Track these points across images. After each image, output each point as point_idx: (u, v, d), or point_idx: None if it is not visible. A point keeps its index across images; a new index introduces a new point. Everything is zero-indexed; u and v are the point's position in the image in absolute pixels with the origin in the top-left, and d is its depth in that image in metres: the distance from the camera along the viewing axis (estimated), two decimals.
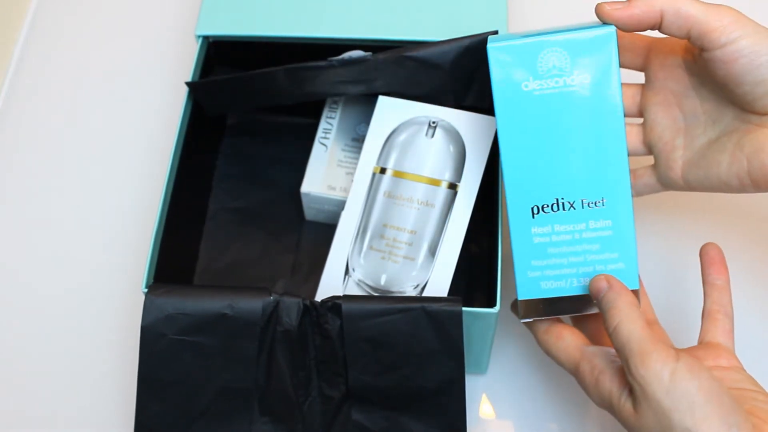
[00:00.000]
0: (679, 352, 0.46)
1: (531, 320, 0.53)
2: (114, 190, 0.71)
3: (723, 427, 0.43)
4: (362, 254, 0.58)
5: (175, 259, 0.60)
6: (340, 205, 0.64)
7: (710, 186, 0.52)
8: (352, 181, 0.60)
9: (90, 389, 0.63)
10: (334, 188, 0.64)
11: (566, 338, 0.52)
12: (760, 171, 0.50)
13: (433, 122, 0.58)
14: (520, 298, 0.52)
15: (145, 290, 0.52)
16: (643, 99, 0.55)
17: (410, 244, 0.57)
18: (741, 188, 0.51)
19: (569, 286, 0.51)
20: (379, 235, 0.58)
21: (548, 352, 0.53)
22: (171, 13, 0.80)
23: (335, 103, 0.67)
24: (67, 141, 0.74)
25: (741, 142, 0.50)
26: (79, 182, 0.71)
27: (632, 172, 0.55)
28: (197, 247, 0.66)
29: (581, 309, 0.52)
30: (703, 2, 0.49)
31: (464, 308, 0.51)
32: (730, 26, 0.48)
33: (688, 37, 0.49)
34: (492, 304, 0.53)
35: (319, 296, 0.57)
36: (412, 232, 0.57)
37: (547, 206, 0.50)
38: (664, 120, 0.54)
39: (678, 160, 0.54)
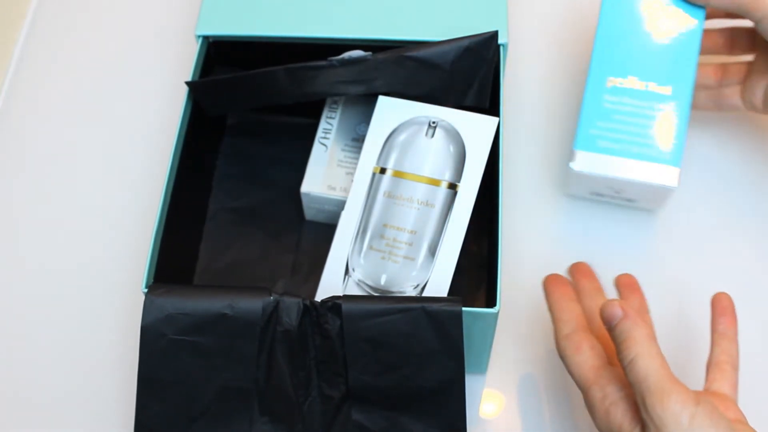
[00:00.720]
0: (698, 395, 0.45)
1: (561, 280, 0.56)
2: (114, 190, 0.71)
3: None
4: (362, 254, 0.58)
5: (175, 259, 0.60)
6: (340, 205, 0.64)
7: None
8: (352, 181, 0.60)
9: (90, 389, 0.63)
10: (334, 188, 0.64)
11: (584, 353, 0.51)
12: None
13: (433, 122, 0.58)
14: (576, 149, 0.61)
15: (145, 290, 0.52)
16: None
17: (410, 244, 0.57)
18: None
19: (622, 150, 0.60)
20: (379, 235, 0.58)
21: (562, 360, 0.52)
22: (171, 13, 0.80)
23: (335, 103, 0.67)
24: (67, 141, 0.74)
25: None
26: (79, 182, 0.71)
27: (720, 92, 0.65)
28: (197, 247, 0.66)
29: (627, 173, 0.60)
30: None
31: (464, 308, 0.51)
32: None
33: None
34: (492, 304, 0.53)
35: (319, 296, 0.57)
36: (412, 232, 0.57)
37: (623, 80, 0.61)
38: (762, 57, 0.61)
39: (763, 89, 0.61)
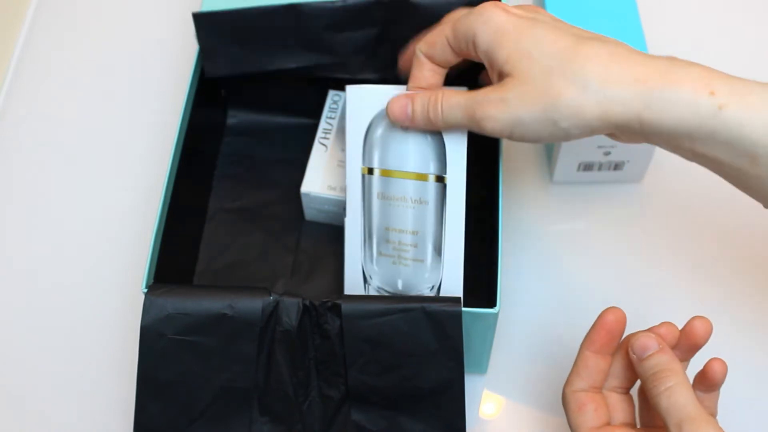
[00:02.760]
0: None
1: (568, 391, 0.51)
2: (114, 190, 0.71)
3: None
4: (374, 261, 0.57)
5: (175, 259, 0.60)
6: (340, 205, 0.64)
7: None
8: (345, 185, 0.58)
9: (90, 389, 0.63)
10: (334, 188, 0.64)
11: (586, 414, 0.49)
12: None
13: None
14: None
15: (145, 290, 0.52)
16: None
17: (416, 246, 0.56)
18: None
19: None
20: (385, 239, 0.57)
21: (564, 409, 0.51)
22: (171, 14, 0.80)
23: (335, 103, 0.67)
24: (67, 141, 0.74)
25: None
26: (79, 182, 0.71)
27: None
28: (197, 247, 0.66)
29: None
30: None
31: (464, 308, 0.51)
32: (497, 128, 0.49)
33: None
34: (492, 304, 0.53)
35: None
36: (414, 232, 0.56)
37: None
38: None
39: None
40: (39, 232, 0.69)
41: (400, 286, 0.57)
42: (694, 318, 0.50)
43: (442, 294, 0.56)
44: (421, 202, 0.56)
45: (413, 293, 0.56)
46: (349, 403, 0.53)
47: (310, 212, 0.66)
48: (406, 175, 0.56)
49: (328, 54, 0.63)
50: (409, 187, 0.56)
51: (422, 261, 0.56)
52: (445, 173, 0.55)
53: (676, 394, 0.46)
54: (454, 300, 0.51)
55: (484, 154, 0.64)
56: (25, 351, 0.64)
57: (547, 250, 0.67)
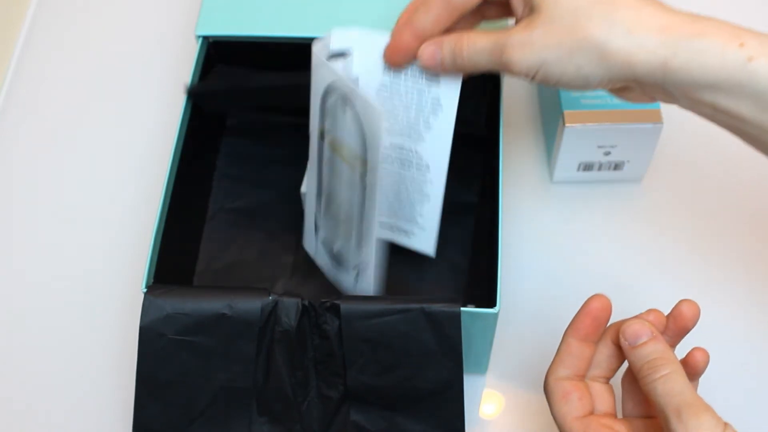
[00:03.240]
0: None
1: (549, 382, 0.51)
2: (114, 190, 0.71)
3: None
4: (321, 215, 0.57)
5: (175, 259, 0.60)
6: None
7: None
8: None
9: (89, 389, 0.63)
10: None
11: (571, 402, 0.49)
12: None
13: (344, 96, 0.52)
14: (564, 109, 0.63)
15: (145, 290, 0.52)
16: None
17: (348, 220, 0.55)
18: None
19: (605, 102, 0.63)
20: (330, 201, 0.56)
21: (547, 399, 0.50)
22: (171, 13, 0.80)
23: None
24: (67, 141, 0.74)
25: None
26: (79, 182, 0.71)
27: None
28: (197, 247, 0.66)
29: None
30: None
31: (464, 308, 0.51)
32: (524, 67, 0.48)
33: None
34: (492, 304, 0.53)
35: (304, 242, 0.58)
36: (347, 209, 0.55)
37: None
38: None
39: None
40: (39, 232, 0.69)
41: (335, 249, 0.57)
42: (681, 302, 0.49)
43: (361, 276, 0.56)
44: (352, 178, 0.54)
45: (342, 263, 0.57)
46: (348, 404, 0.53)
47: None
48: (343, 150, 0.54)
49: None
50: (345, 167, 0.54)
51: (350, 238, 0.55)
52: (367, 157, 0.53)
53: (672, 381, 0.45)
54: (454, 301, 0.51)
55: (484, 153, 0.64)
56: (24, 351, 0.64)
57: (547, 250, 0.67)
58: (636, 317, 0.49)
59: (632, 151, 0.66)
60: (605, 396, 0.51)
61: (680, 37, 0.45)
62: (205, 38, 0.65)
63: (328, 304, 0.51)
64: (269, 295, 0.52)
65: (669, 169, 0.69)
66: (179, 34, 0.78)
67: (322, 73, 0.53)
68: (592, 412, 0.49)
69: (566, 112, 0.64)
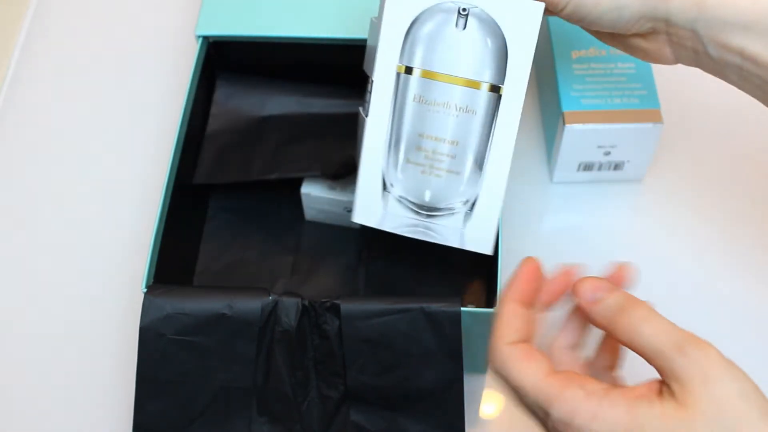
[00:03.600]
0: None
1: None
2: (114, 190, 0.71)
3: None
4: (399, 168, 0.52)
5: (175, 259, 0.60)
6: (341, 205, 0.64)
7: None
8: (371, 80, 0.51)
9: (89, 389, 0.63)
10: (334, 188, 0.64)
11: (537, 360, 0.43)
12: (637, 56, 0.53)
13: (464, 9, 0.49)
14: (564, 110, 0.63)
15: (145, 290, 0.52)
16: None
17: (453, 157, 0.51)
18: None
19: (605, 103, 0.64)
20: (416, 146, 0.51)
21: (502, 370, 0.44)
22: (171, 13, 0.80)
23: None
24: (67, 141, 0.74)
25: (606, 39, 0.53)
26: (79, 182, 0.71)
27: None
28: (197, 247, 0.66)
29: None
30: None
31: (463, 308, 0.51)
32: None
33: None
34: (492, 304, 0.53)
35: (356, 214, 0.52)
36: (453, 142, 0.51)
37: (585, 51, 0.66)
38: None
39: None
40: (39, 232, 0.69)
41: (427, 197, 0.52)
42: (618, 265, 0.47)
43: (477, 209, 0.52)
44: (467, 110, 0.50)
45: (441, 205, 0.52)
46: (348, 404, 0.53)
47: (310, 212, 0.66)
48: (455, 80, 0.50)
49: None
50: (456, 94, 0.50)
51: (458, 173, 0.52)
52: (503, 83, 0.50)
53: (657, 319, 0.42)
54: (454, 300, 0.51)
55: None
56: (24, 351, 0.64)
57: (547, 250, 0.67)
58: (580, 281, 0.45)
59: (632, 151, 0.66)
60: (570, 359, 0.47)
61: None
62: (205, 38, 0.65)
63: (328, 304, 0.51)
64: (269, 295, 0.52)
65: (669, 169, 0.69)
66: (179, 34, 0.78)
67: (404, 4, 0.49)
68: (556, 370, 0.44)
69: (566, 112, 0.64)
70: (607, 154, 0.66)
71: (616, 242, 0.67)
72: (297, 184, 0.64)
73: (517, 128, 0.51)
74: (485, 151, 0.51)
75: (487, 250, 0.53)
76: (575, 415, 0.41)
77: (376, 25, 0.51)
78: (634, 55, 0.53)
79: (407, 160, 0.51)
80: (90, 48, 0.78)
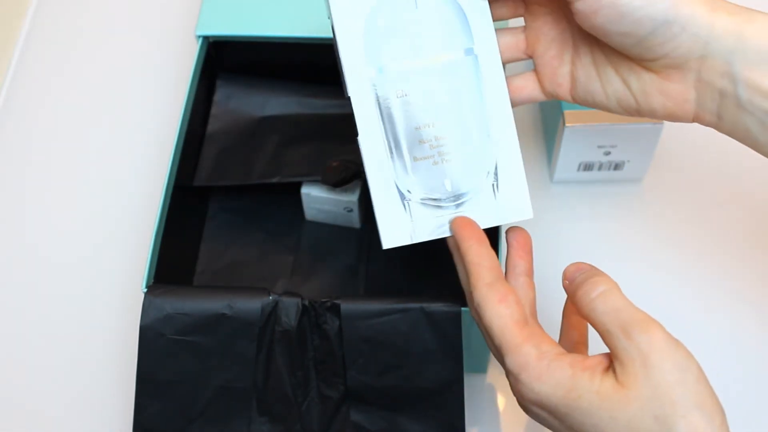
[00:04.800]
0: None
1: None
2: (114, 189, 0.71)
3: (714, 417, 0.40)
4: (409, 170, 0.50)
5: (175, 259, 0.60)
6: (340, 204, 0.64)
7: (597, 107, 0.50)
8: (348, 97, 0.49)
9: (89, 389, 0.63)
10: (334, 188, 0.64)
11: (511, 305, 0.45)
12: (648, 112, 0.48)
13: None
14: (564, 109, 0.62)
15: (145, 290, 0.52)
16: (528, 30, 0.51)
17: (456, 135, 0.50)
18: (629, 115, 0.50)
19: None
20: (417, 141, 0.49)
21: (479, 312, 0.45)
22: (171, 13, 0.80)
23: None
24: (67, 141, 0.74)
25: (628, 78, 0.48)
26: (79, 182, 0.71)
27: (512, 83, 0.51)
28: (197, 247, 0.66)
29: None
30: None
31: (464, 308, 0.51)
32: None
33: None
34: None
35: (384, 239, 0.50)
36: (451, 121, 0.50)
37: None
38: (552, 32, 0.50)
39: (566, 76, 0.50)
40: (39, 232, 0.69)
41: (448, 186, 0.50)
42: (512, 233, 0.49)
43: (501, 176, 0.50)
44: (452, 84, 0.49)
45: (465, 189, 0.50)
46: (348, 404, 0.53)
47: (310, 212, 0.66)
48: (428, 60, 0.49)
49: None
50: (435, 73, 0.49)
51: (468, 148, 0.50)
52: (473, 44, 0.49)
53: (611, 296, 0.43)
54: (454, 300, 0.51)
55: None
56: (24, 350, 0.64)
57: (547, 249, 0.67)
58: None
59: (632, 151, 0.66)
60: (529, 294, 0.48)
61: (754, 13, 0.44)
62: (205, 38, 0.65)
63: (328, 303, 0.51)
64: (269, 295, 0.52)
65: (669, 169, 0.69)
66: (179, 34, 0.78)
67: (350, 6, 0.48)
68: (526, 321, 0.45)
69: (566, 112, 0.64)
70: (607, 154, 0.66)
71: (616, 242, 0.67)
72: (297, 184, 0.64)
73: (504, 79, 0.49)
74: (485, 114, 0.50)
75: (528, 215, 0.52)
76: (523, 369, 0.43)
77: (334, 42, 0.49)
78: (649, 107, 0.48)
79: (414, 159, 0.50)
80: (90, 48, 0.78)
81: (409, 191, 0.50)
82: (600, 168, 0.67)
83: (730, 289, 0.64)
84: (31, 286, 0.67)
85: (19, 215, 0.70)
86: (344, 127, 0.65)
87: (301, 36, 0.64)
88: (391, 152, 0.50)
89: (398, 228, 0.50)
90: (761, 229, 0.67)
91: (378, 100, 0.49)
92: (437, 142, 0.50)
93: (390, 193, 0.49)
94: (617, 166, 0.67)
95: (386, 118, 0.49)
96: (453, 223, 0.49)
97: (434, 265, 0.63)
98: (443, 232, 0.50)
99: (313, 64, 0.66)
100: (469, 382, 0.61)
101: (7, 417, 0.62)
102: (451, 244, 0.50)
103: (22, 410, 0.62)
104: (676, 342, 0.41)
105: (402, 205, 0.50)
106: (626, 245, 0.67)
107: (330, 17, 0.49)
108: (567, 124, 0.63)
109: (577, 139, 0.64)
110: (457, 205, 0.50)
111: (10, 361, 0.64)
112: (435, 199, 0.50)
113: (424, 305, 0.51)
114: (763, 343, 0.62)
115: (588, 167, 0.67)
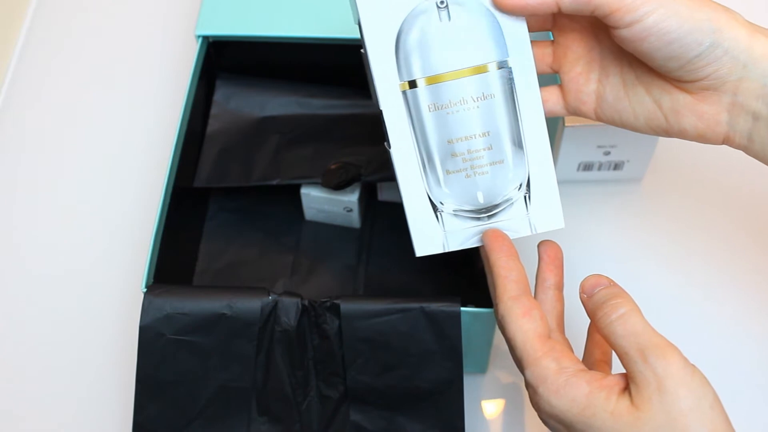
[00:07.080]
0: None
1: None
2: (114, 189, 0.71)
3: None
4: (442, 183, 0.50)
5: (175, 259, 0.60)
6: (340, 204, 0.64)
7: (623, 126, 0.50)
8: (380, 110, 0.49)
9: (89, 388, 0.63)
10: None
11: (534, 319, 0.46)
12: (678, 132, 0.48)
13: (441, 2, 0.48)
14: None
15: (145, 290, 0.52)
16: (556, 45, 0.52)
17: (490, 148, 0.50)
18: (656, 134, 0.50)
19: None
20: (450, 154, 0.50)
21: (503, 324, 0.47)
22: (171, 13, 0.80)
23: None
24: (67, 141, 0.74)
25: (659, 98, 0.48)
26: (79, 182, 0.71)
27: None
28: (197, 247, 0.66)
29: None
30: None
31: (463, 308, 0.51)
32: (634, 3, 0.44)
33: (593, 16, 0.46)
34: (492, 304, 0.53)
35: (417, 248, 0.50)
36: (484, 134, 0.49)
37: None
38: (579, 49, 0.50)
39: (591, 95, 0.50)
40: (38, 231, 0.69)
41: (481, 198, 0.50)
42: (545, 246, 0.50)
43: (534, 187, 0.51)
44: (485, 97, 0.49)
45: (498, 201, 0.50)
46: (348, 403, 0.53)
47: (310, 212, 0.66)
48: (461, 73, 0.49)
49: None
50: (468, 86, 0.49)
51: (501, 162, 0.50)
52: (508, 56, 0.49)
53: (630, 319, 0.43)
54: (453, 300, 0.51)
55: None
56: (24, 351, 0.64)
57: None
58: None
59: (632, 151, 0.66)
60: (557, 307, 0.50)
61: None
62: (205, 38, 0.65)
63: (328, 303, 0.51)
64: (269, 295, 0.52)
65: (669, 169, 0.69)
66: (179, 34, 0.78)
67: (382, 21, 0.48)
68: (549, 335, 0.46)
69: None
70: (607, 154, 0.66)
71: (616, 242, 0.67)
72: (297, 184, 0.64)
73: (539, 92, 0.49)
74: (518, 127, 0.50)
75: (559, 224, 0.52)
76: (541, 383, 0.44)
77: (365, 55, 0.49)
78: (679, 127, 0.48)
79: (447, 172, 0.50)
80: (90, 48, 0.79)
81: (441, 203, 0.50)
82: (600, 168, 0.67)
83: (730, 289, 0.64)
84: (31, 286, 0.67)
85: (18, 215, 0.70)
86: (344, 128, 0.65)
87: (301, 36, 0.64)
88: (424, 166, 0.50)
89: (431, 237, 0.50)
90: (761, 228, 0.67)
91: (410, 114, 0.49)
92: (470, 155, 0.50)
93: (422, 204, 0.50)
94: (617, 166, 0.67)
95: (418, 131, 0.49)
96: (484, 235, 0.50)
97: (434, 265, 0.63)
98: (475, 242, 0.51)
99: (313, 64, 0.66)
100: (469, 382, 0.61)
101: (7, 417, 0.62)
102: (483, 253, 0.51)
103: (23, 410, 0.62)
104: (693, 368, 0.42)
105: (435, 216, 0.50)
106: (626, 245, 0.67)
107: (360, 28, 0.48)
108: (567, 124, 0.63)
109: (577, 139, 0.64)
110: (489, 216, 0.51)
111: (10, 361, 0.64)
112: (468, 211, 0.51)
113: (424, 305, 0.51)
114: (763, 343, 0.62)
115: (588, 167, 0.67)
